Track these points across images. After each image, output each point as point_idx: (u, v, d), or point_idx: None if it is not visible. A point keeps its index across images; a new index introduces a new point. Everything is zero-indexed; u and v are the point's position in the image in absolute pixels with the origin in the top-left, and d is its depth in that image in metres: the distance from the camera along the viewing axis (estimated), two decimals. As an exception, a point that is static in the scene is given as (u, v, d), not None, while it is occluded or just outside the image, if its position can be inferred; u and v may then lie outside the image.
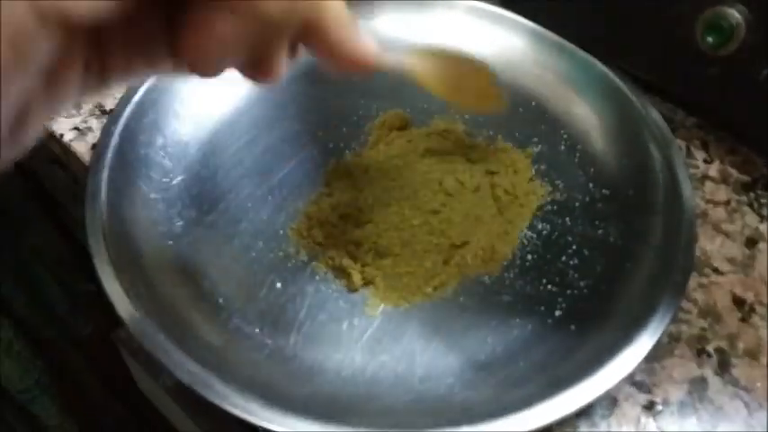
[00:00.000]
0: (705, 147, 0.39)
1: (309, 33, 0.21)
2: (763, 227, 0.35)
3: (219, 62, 0.19)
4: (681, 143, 0.38)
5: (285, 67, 0.22)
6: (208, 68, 0.19)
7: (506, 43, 0.40)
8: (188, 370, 0.26)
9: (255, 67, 0.21)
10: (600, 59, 0.38)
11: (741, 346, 0.31)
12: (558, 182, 0.36)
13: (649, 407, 0.29)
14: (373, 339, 0.30)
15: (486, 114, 0.38)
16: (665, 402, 0.29)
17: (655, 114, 0.36)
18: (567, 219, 0.34)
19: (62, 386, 0.58)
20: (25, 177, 0.52)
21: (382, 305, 0.31)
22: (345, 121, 0.38)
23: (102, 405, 0.62)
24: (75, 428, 0.62)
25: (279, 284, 0.31)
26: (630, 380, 0.29)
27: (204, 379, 0.26)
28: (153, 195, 0.33)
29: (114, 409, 0.63)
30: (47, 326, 0.59)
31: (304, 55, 0.23)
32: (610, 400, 0.29)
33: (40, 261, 0.57)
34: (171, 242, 0.32)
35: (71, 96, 0.18)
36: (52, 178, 0.43)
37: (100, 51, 0.18)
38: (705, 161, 0.38)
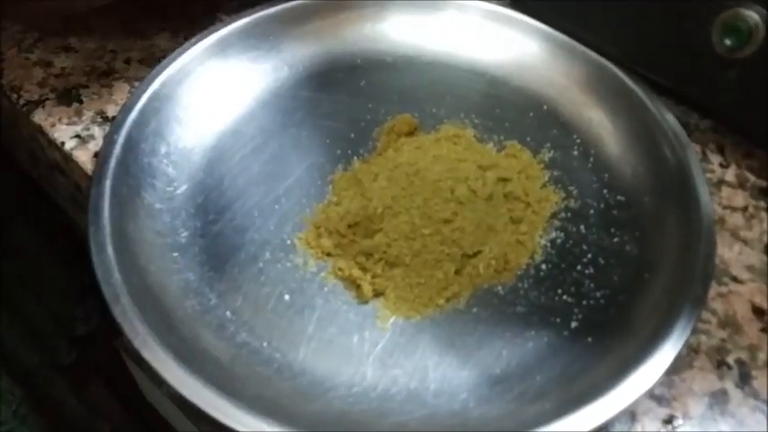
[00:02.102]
0: (721, 150, 0.38)
1: None
2: (782, 233, 0.35)
3: None
4: (696, 147, 0.37)
5: None
6: None
7: (518, 46, 0.39)
8: (194, 388, 0.25)
9: None
10: (613, 62, 0.38)
11: (762, 357, 0.30)
12: (571, 188, 0.35)
13: (669, 420, 0.28)
14: (385, 353, 0.29)
15: None
16: (686, 416, 0.28)
17: (670, 118, 0.35)
18: (582, 226, 0.34)
19: (43, 417, 0.57)
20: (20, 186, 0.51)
21: (393, 317, 0.30)
22: (353, 126, 0.37)
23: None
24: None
25: (287, 296, 0.31)
26: (650, 393, 0.28)
27: (210, 397, 0.25)
28: (157, 205, 0.32)
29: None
30: (28, 353, 0.57)
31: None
32: (628, 415, 0.28)
33: (24, 282, 0.56)
34: (176, 254, 0.31)
35: None
36: (53, 184, 0.43)
37: None
38: (721, 165, 0.37)
